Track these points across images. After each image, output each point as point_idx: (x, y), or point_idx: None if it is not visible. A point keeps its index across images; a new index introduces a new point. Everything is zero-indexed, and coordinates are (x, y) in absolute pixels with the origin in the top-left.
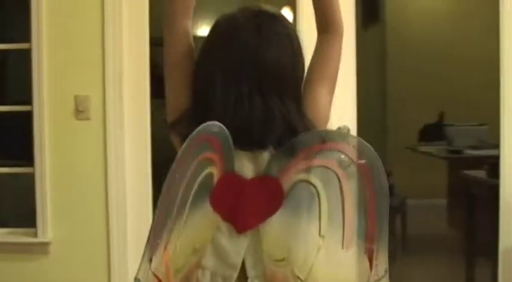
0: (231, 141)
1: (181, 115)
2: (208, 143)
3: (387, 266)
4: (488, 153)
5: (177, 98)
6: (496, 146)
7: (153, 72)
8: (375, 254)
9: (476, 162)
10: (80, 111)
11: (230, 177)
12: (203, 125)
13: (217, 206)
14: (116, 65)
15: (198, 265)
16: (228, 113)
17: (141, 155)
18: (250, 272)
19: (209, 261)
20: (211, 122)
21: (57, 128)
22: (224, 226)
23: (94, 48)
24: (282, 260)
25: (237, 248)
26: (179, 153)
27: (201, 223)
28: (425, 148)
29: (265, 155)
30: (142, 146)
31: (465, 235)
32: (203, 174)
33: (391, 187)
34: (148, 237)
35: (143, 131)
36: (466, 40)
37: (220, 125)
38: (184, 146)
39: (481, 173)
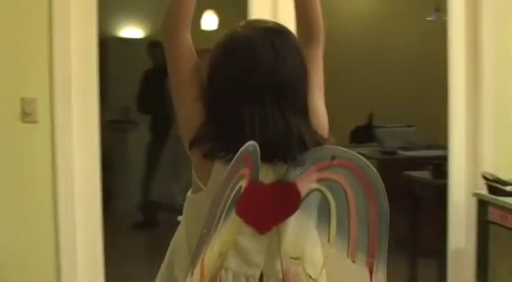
0: (259, 156)
1: (200, 132)
2: (245, 162)
3: (385, 281)
4: (419, 154)
5: (192, 114)
6: (425, 146)
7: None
8: (375, 268)
9: (408, 163)
10: (26, 113)
11: (254, 185)
12: (244, 146)
13: (241, 212)
14: (64, 67)
15: (221, 266)
16: (255, 132)
17: (90, 158)
18: (266, 269)
19: (231, 262)
20: (249, 143)
21: (2, 131)
22: (247, 229)
23: (41, 49)
24: (297, 258)
25: (258, 247)
26: (225, 175)
27: (229, 229)
28: (357, 149)
29: (283, 167)
30: (91, 149)
31: (407, 235)
32: (236, 188)
33: None
34: (193, 256)
35: (92, 134)
36: (393, 43)
37: (255, 144)
38: (229, 168)
39: (423, 174)
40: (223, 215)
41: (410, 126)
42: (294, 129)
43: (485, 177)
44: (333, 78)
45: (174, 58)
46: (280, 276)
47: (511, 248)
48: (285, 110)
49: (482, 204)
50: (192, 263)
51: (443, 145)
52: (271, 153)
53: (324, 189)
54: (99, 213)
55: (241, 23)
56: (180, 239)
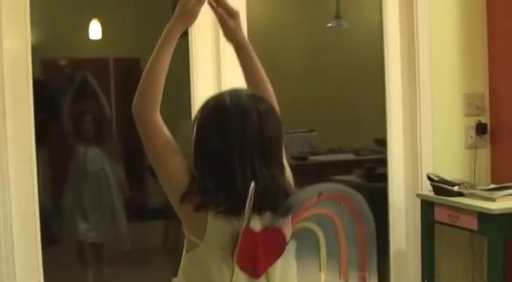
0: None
1: (190, 188)
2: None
3: None
4: (328, 158)
5: (176, 175)
6: (327, 151)
7: None
8: (367, 279)
9: (320, 168)
10: None
11: (248, 233)
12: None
13: (239, 259)
14: None
15: None
16: (246, 183)
17: (26, 171)
18: None
19: None
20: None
21: None
22: (242, 275)
23: None
24: None
25: None
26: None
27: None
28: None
29: (267, 216)
30: (27, 162)
31: None
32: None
33: None
34: None
35: (27, 147)
36: (292, 50)
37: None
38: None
39: (351, 178)
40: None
41: (312, 131)
42: (279, 181)
43: (430, 178)
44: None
45: (145, 135)
46: None
47: (461, 247)
48: (270, 165)
49: (427, 205)
50: None
51: (345, 149)
52: (259, 203)
53: (310, 224)
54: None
55: (226, 92)
56: None
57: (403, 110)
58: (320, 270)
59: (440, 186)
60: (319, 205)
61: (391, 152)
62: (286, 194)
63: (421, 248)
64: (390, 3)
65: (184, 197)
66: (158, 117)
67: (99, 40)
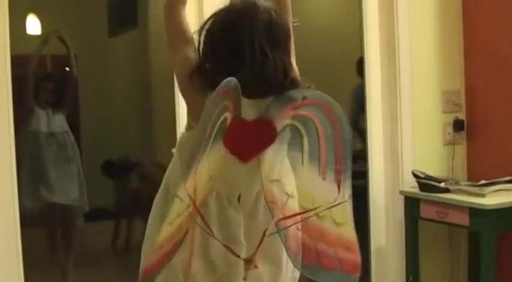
0: (240, 92)
1: (199, 69)
2: (227, 94)
3: (351, 193)
4: None
5: (186, 58)
6: None
7: None
8: (342, 182)
9: None
10: None
11: (238, 120)
12: (225, 80)
13: (228, 143)
14: None
15: (212, 189)
16: (254, 67)
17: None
18: (244, 191)
19: (218, 185)
20: (230, 78)
21: None
22: (231, 158)
23: None
24: (276, 180)
25: (238, 173)
26: (209, 100)
27: (216, 157)
28: None
29: (267, 100)
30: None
31: None
32: (221, 118)
33: None
34: (185, 167)
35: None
36: None
37: (235, 80)
38: (213, 94)
39: None
40: (211, 140)
41: None
42: (286, 68)
43: (416, 175)
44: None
45: (170, 26)
46: (255, 196)
47: (440, 243)
48: (279, 53)
49: (412, 202)
50: (186, 172)
51: None
52: (261, 89)
53: (297, 123)
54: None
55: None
56: (174, 171)
57: (382, 107)
58: (302, 165)
59: (427, 183)
60: (303, 108)
61: (371, 149)
62: (295, 84)
63: (405, 245)
64: (370, 3)
65: (194, 73)
66: (184, 11)
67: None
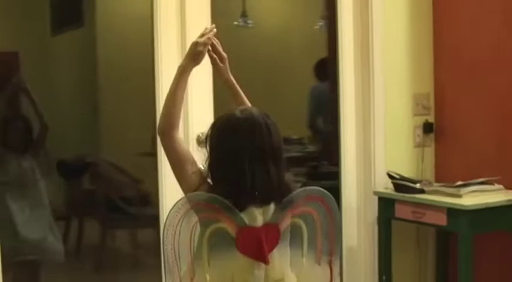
0: (227, 203)
1: (202, 187)
2: (202, 207)
3: (338, 271)
4: None
5: (192, 180)
6: None
7: None
8: (333, 263)
9: None
10: None
11: (247, 229)
12: (190, 194)
13: (245, 251)
14: None
15: None
16: (255, 184)
17: None
18: None
19: None
20: (198, 192)
21: None
22: (255, 264)
23: None
24: (279, 280)
25: (258, 276)
26: (171, 217)
27: (234, 265)
28: None
29: (271, 208)
30: None
31: None
32: (210, 229)
33: (148, 196)
34: (165, 272)
35: None
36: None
37: (208, 194)
38: (172, 211)
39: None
40: (205, 250)
41: None
42: (283, 181)
43: (391, 176)
44: (136, 87)
45: (168, 150)
46: None
47: (408, 242)
48: (278, 166)
49: (387, 203)
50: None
51: None
52: (266, 200)
53: (298, 220)
54: None
55: (236, 109)
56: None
57: (356, 109)
58: (302, 257)
59: (402, 184)
60: (306, 204)
61: (344, 151)
62: (290, 190)
63: (378, 245)
64: (345, 8)
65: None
66: (178, 135)
67: None
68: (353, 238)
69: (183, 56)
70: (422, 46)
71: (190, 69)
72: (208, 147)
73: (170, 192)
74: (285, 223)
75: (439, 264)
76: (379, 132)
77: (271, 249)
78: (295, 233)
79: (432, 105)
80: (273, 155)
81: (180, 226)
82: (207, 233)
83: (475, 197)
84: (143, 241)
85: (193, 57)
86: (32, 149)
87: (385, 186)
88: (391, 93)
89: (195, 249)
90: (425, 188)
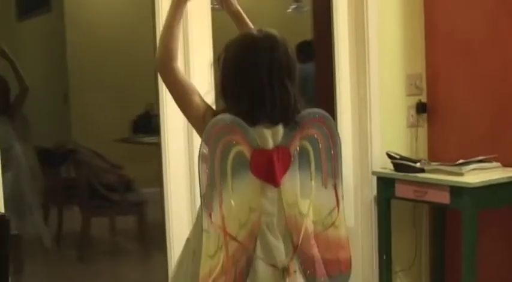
0: (245, 125)
1: (218, 111)
2: (226, 129)
3: (343, 193)
4: None
5: (200, 108)
6: None
7: None
8: (337, 186)
9: None
10: None
11: (260, 151)
12: (217, 117)
13: (258, 174)
14: None
15: (259, 222)
16: (275, 102)
17: None
18: (277, 216)
19: (261, 215)
20: (225, 115)
21: None
22: (267, 186)
23: None
24: (293, 203)
25: (272, 200)
26: (204, 138)
27: (249, 189)
28: (148, 139)
29: (280, 129)
30: None
31: None
32: (233, 152)
33: (130, 182)
34: (202, 202)
35: None
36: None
37: (232, 116)
38: (206, 132)
39: None
40: (229, 174)
41: None
42: (297, 101)
43: (390, 156)
44: (108, 71)
45: (170, 83)
46: (284, 220)
47: (403, 221)
48: (294, 87)
49: (386, 182)
50: (208, 208)
51: None
52: (279, 119)
53: (305, 143)
54: None
55: (251, 30)
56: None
57: (351, 90)
58: (311, 180)
59: (403, 163)
60: (311, 126)
61: (341, 131)
62: (298, 112)
63: (377, 224)
64: None
65: (205, 115)
66: (177, 66)
67: None
68: (350, 218)
69: None
70: (415, 27)
71: (185, 1)
72: (220, 66)
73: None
74: (294, 146)
75: (436, 242)
76: (375, 113)
77: (284, 172)
78: (303, 156)
79: (424, 85)
80: (289, 74)
81: (213, 150)
82: (230, 157)
83: (476, 175)
84: (126, 228)
85: None
86: (10, 111)
87: (382, 166)
88: (385, 73)
89: (221, 175)
90: (425, 167)
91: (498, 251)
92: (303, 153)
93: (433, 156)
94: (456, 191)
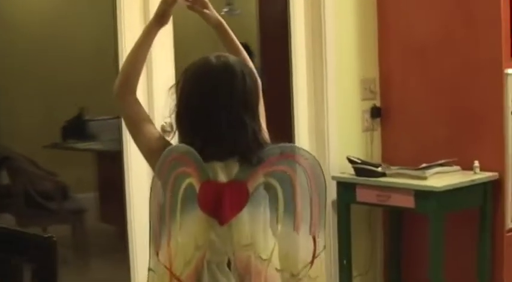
0: (198, 156)
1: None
2: (179, 161)
3: (324, 243)
4: None
5: (153, 141)
6: None
7: None
8: (317, 234)
9: None
10: None
11: (209, 184)
12: (171, 147)
13: (204, 207)
14: None
15: (203, 258)
16: (225, 134)
17: None
18: (231, 255)
19: (207, 253)
20: (179, 144)
21: None
22: (213, 222)
23: None
24: (248, 245)
25: (223, 238)
26: (157, 169)
27: (196, 224)
28: (82, 145)
29: (235, 163)
30: None
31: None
32: (184, 185)
33: (66, 189)
34: (151, 237)
35: None
36: (78, 39)
37: (186, 146)
38: (159, 163)
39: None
40: (178, 209)
41: (118, 117)
42: (257, 132)
43: (351, 161)
44: (38, 77)
45: (125, 114)
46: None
47: (367, 225)
48: (252, 118)
49: (346, 187)
50: (155, 246)
51: None
52: (232, 153)
53: (271, 180)
54: None
55: (211, 55)
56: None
57: (308, 94)
58: (277, 223)
59: (364, 168)
60: (281, 163)
61: (298, 135)
62: (262, 146)
63: (338, 230)
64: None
65: (158, 150)
66: (135, 97)
67: None
68: None
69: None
70: (369, 30)
71: (155, 31)
72: (177, 94)
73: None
74: (255, 182)
75: (391, 245)
76: (332, 117)
77: (239, 209)
78: (267, 194)
79: (378, 89)
80: (247, 107)
81: (166, 182)
82: (181, 190)
83: (439, 179)
84: (62, 236)
85: (157, 17)
86: None
87: (340, 170)
88: (341, 78)
89: (170, 209)
90: (387, 172)
91: (463, 253)
92: (268, 192)
93: (387, 159)
94: (421, 195)
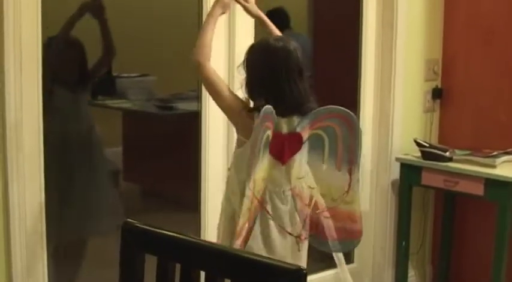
0: (275, 115)
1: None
2: (266, 118)
3: (359, 177)
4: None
5: (233, 100)
6: (174, 97)
7: None
8: (352, 171)
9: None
10: None
11: (276, 134)
12: (264, 108)
13: (271, 151)
14: None
15: (266, 188)
16: (293, 97)
17: None
18: (285, 188)
19: (269, 184)
20: (267, 106)
21: None
22: (276, 162)
23: None
24: (302, 177)
25: (281, 174)
26: (256, 124)
27: (267, 163)
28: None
29: (295, 119)
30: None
31: None
32: (266, 135)
33: None
34: (248, 171)
35: None
36: None
37: (270, 107)
38: (258, 120)
39: None
40: (261, 150)
41: (145, 75)
42: (308, 94)
43: (419, 144)
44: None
45: (207, 79)
46: (289, 191)
47: (420, 207)
48: (305, 84)
49: (411, 169)
50: (250, 174)
51: (188, 94)
52: (292, 112)
53: (320, 132)
54: None
55: (267, 37)
56: (232, 184)
57: (375, 73)
58: (323, 162)
59: (431, 152)
60: (329, 120)
61: (363, 114)
62: (313, 106)
63: (398, 211)
64: None
65: (250, 111)
66: (211, 64)
67: None
68: (365, 202)
69: None
70: (436, 11)
71: (218, 15)
72: (248, 69)
73: None
74: (307, 133)
75: (443, 227)
76: (398, 98)
77: (294, 152)
78: (317, 142)
79: (440, 71)
80: (302, 75)
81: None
82: (264, 139)
83: (508, 168)
84: None
85: (222, 6)
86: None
87: (403, 152)
88: (408, 58)
89: (258, 152)
90: (454, 157)
91: None
92: (318, 140)
93: (443, 141)
94: (491, 183)
